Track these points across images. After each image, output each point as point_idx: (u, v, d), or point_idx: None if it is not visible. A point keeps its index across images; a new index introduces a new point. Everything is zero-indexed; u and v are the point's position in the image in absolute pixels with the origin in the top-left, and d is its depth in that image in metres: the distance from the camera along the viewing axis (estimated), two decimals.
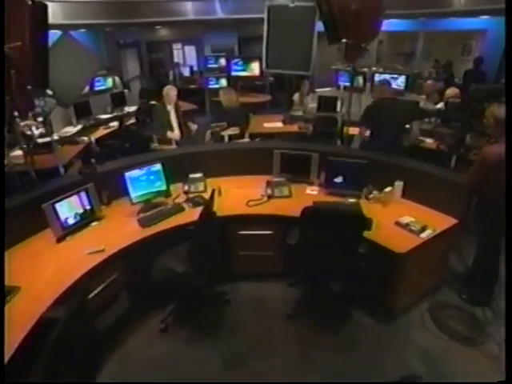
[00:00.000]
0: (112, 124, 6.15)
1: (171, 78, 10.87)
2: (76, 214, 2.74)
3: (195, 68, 11.85)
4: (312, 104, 5.85)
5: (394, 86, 5.35)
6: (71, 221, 2.70)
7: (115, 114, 6.52)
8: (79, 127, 5.60)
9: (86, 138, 5.27)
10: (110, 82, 7.03)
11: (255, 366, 2.49)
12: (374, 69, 6.00)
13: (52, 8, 5.19)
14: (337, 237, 2.39)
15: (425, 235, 2.59)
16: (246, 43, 10.18)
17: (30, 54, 2.41)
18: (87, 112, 5.91)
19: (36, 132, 4.62)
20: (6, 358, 1.67)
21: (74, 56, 3.12)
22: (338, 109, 5.37)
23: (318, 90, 6.36)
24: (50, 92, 3.54)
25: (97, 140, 5.51)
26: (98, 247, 2.50)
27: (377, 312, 2.89)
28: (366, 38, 2.97)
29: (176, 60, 12.16)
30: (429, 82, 6.21)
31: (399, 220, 2.75)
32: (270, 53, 3.79)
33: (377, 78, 5.53)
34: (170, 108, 4.56)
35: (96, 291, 2.45)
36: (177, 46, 12.53)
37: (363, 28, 2.83)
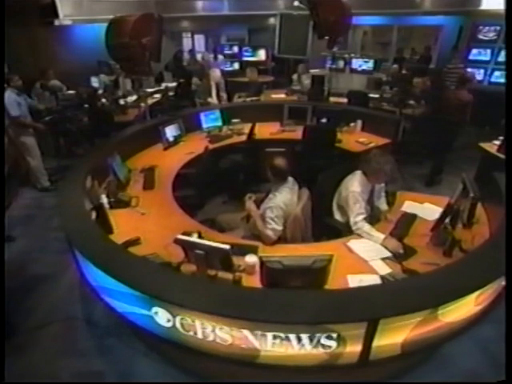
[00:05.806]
0: (156, 96, 8.15)
1: (185, 63, 12.74)
2: (173, 135, 4.78)
3: None
4: (307, 81, 7.87)
5: (364, 67, 7.43)
6: (171, 138, 4.73)
7: (156, 88, 8.52)
8: (135, 97, 7.58)
9: (143, 104, 7.28)
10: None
11: None
12: (352, 55, 8.07)
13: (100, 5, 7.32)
14: (321, 142, 4.50)
15: (370, 145, 4.70)
16: (255, 34, 12.16)
17: (155, 44, 4.40)
18: (139, 85, 7.89)
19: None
20: (171, 183, 3.73)
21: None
22: (326, 84, 7.41)
23: (311, 70, 8.39)
24: None
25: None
26: (190, 151, 4.55)
27: None
28: (340, 34, 5.02)
29: (190, 47, 14.04)
30: (394, 66, 8.27)
31: (357, 140, 4.86)
32: (281, 43, 5.84)
33: (354, 61, 7.59)
34: (212, 83, 6.62)
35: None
36: (187, 35, 14.40)
37: (338, 29, 4.86)
